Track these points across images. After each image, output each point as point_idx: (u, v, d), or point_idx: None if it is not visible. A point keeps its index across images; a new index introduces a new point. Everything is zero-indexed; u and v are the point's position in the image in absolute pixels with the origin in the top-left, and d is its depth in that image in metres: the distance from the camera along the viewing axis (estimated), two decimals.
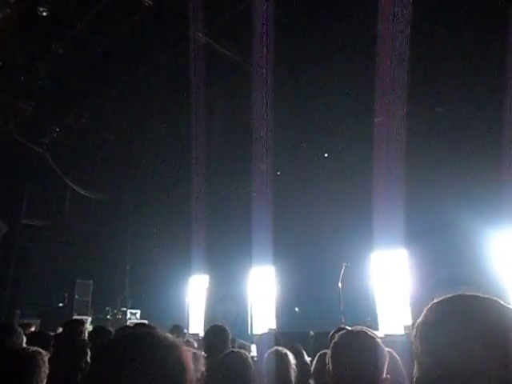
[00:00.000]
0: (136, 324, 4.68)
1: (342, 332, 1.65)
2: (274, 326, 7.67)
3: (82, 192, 10.66)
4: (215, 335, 3.24)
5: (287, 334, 5.00)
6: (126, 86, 8.63)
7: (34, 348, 2.32)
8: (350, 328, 1.72)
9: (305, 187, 9.37)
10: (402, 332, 5.65)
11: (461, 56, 6.67)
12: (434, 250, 7.08)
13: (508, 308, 0.81)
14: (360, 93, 7.22)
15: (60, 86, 8.82)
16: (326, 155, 9.31)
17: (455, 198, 7.13)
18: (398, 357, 2.50)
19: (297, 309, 8.01)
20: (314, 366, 2.98)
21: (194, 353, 2.70)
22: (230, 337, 3.30)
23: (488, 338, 0.75)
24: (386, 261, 7.57)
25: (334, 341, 1.63)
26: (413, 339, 0.86)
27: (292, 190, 9.60)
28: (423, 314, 0.86)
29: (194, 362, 2.51)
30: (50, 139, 10.01)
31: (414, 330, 0.86)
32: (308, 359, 3.57)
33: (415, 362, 0.84)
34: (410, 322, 5.70)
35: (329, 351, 1.62)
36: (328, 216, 8.60)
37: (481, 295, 0.85)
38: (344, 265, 6.95)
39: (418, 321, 0.86)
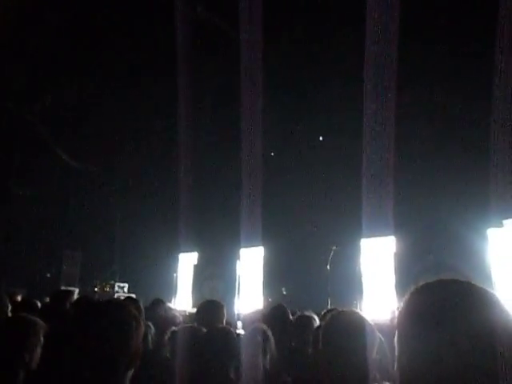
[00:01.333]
0: (125, 298, 4.72)
1: (334, 312, 1.66)
2: (260, 305, 7.74)
3: (73, 163, 10.54)
4: (209, 310, 3.26)
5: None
6: (116, 56, 8.50)
7: (33, 318, 2.30)
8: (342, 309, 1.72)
9: (298, 170, 9.36)
10: (387, 317, 5.73)
11: (453, 49, 6.67)
12: (422, 238, 7.16)
13: (490, 293, 0.80)
14: (358, 77, 7.16)
15: (53, 55, 8.63)
16: (321, 139, 9.29)
17: (444, 188, 7.19)
18: (383, 339, 2.52)
19: (284, 289, 8.08)
20: None
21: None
22: (225, 312, 3.31)
23: (472, 328, 0.74)
24: (375, 247, 7.64)
25: (325, 320, 1.63)
26: (396, 323, 0.85)
27: (285, 171, 9.59)
28: (403, 301, 0.85)
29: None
30: (42, 108, 9.83)
31: (397, 316, 0.85)
32: (291, 318, 3.61)
33: (397, 348, 0.84)
34: (395, 307, 5.77)
35: (321, 330, 1.62)
36: (319, 200, 8.63)
37: (462, 280, 0.84)
38: (333, 248, 7.01)
39: (399, 308, 0.86)
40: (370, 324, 1.61)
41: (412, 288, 0.86)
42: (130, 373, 1.33)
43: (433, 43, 6.77)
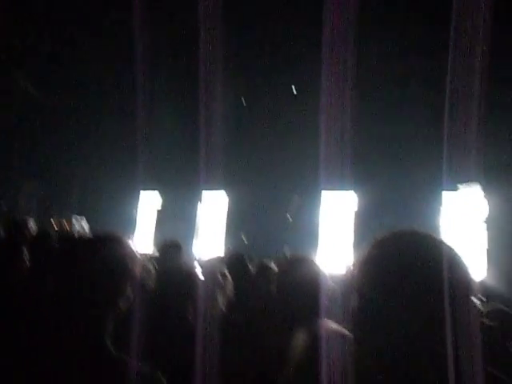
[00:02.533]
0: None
1: (289, 259, 1.70)
2: (220, 251, 7.87)
3: (33, 91, 9.97)
4: (170, 249, 3.30)
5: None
6: None
7: None
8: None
9: (264, 116, 9.28)
10: (342, 270, 5.95)
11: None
12: (379, 196, 7.37)
13: (447, 244, 0.84)
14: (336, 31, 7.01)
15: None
16: (294, 91, 9.17)
17: (402, 150, 7.35)
18: (339, 291, 2.63)
19: (243, 236, 8.22)
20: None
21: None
22: (184, 252, 3.36)
23: (430, 272, 0.77)
24: (335, 200, 7.83)
25: (280, 266, 1.68)
26: (354, 273, 0.87)
27: (253, 119, 9.49)
28: (365, 250, 0.87)
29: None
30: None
31: (356, 266, 0.87)
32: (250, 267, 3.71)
33: (354, 294, 0.86)
34: (350, 261, 5.99)
35: (275, 276, 1.67)
36: (285, 150, 8.65)
37: (421, 231, 0.87)
38: (295, 198, 7.11)
39: (361, 255, 0.87)
40: (322, 272, 1.68)
41: (372, 240, 0.87)
42: (114, 314, 1.27)
43: None
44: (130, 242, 1.36)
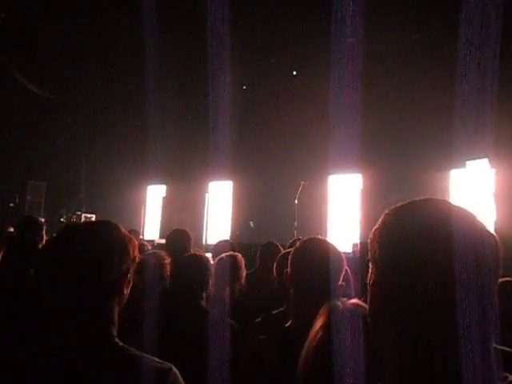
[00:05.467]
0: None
1: (304, 238, 1.69)
2: (228, 237, 7.88)
3: (34, 89, 9.95)
4: (178, 238, 3.34)
5: (241, 245, 5.17)
6: None
7: None
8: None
9: (269, 104, 9.23)
10: (350, 250, 5.98)
11: None
12: (387, 177, 7.34)
13: (472, 214, 0.79)
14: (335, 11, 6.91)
15: None
16: (294, 73, 9.10)
17: (410, 128, 7.31)
18: (349, 270, 2.62)
19: (251, 222, 8.22)
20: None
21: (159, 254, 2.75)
22: (192, 241, 3.40)
23: (451, 240, 0.72)
24: (342, 184, 7.82)
25: (296, 246, 1.67)
26: (369, 245, 0.83)
27: (256, 105, 9.45)
28: (381, 219, 0.82)
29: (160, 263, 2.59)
30: None
31: (371, 235, 0.83)
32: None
33: (371, 267, 0.82)
34: (358, 241, 6.01)
35: (290, 256, 1.66)
36: (290, 135, 8.61)
37: (445, 199, 0.82)
38: (302, 183, 7.11)
39: (376, 226, 0.82)
40: (338, 251, 1.66)
41: (388, 210, 0.82)
42: (118, 302, 1.19)
43: None
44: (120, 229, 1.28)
